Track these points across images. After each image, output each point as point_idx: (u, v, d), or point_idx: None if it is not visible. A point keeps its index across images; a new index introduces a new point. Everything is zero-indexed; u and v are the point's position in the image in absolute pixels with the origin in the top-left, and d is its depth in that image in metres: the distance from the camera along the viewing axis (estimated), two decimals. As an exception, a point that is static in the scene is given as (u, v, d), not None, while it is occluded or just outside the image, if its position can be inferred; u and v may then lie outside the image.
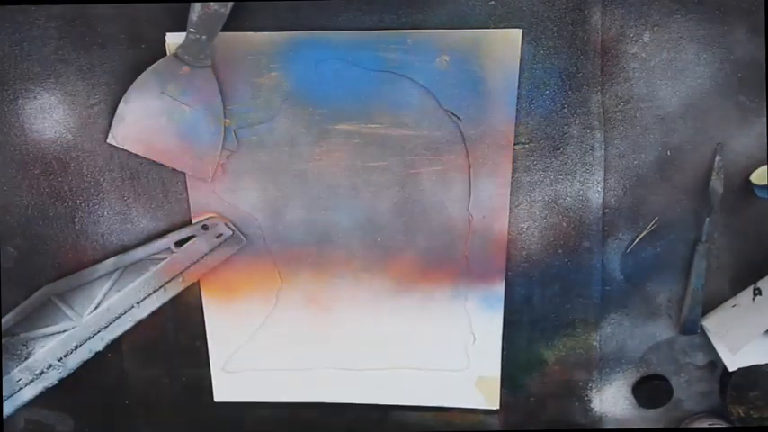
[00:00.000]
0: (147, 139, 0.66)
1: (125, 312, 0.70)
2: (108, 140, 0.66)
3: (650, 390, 0.74)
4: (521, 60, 0.64)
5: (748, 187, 0.68)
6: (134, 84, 0.64)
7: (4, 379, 0.71)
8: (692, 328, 0.72)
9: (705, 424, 0.75)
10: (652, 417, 0.76)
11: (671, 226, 0.69)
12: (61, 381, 0.72)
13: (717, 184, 0.67)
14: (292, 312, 0.73)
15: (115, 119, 0.65)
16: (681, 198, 0.69)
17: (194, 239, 0.69)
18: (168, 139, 0.66)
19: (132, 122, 0.65)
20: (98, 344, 0.71)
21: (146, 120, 0.65)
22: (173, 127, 0.65)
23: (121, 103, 0.65)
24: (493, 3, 0.63)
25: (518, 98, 0.65)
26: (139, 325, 0.71)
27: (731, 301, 0.71)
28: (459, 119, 0.66)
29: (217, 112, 0.65)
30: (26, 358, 0.71)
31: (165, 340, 0.74)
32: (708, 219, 0.69)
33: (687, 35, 0.64)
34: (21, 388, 0.71)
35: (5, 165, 0.68)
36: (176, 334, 0.74)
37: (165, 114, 0.65)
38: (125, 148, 0.66)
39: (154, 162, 0.67)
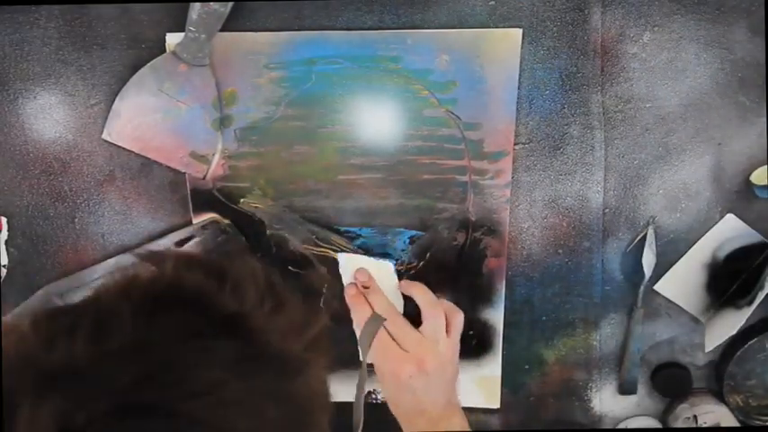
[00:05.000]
0: (142, 136, 0.66)
1: (125, 312, 0.70)
2: (103, 136, 0.66)
3: (669, 378, 0.74)
4: (521, 60, 0.64)
5: (748, 187, 0.68)
6: (131, 80, 0.64)
7: (4, 379, 0.71)
8: (630, 388, 0.74)
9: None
10: (652, 416, 0.76)
11: (670, 226, 0.69)
12: (61, 381, 0.72)
13: (649, 257, 0.69)
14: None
15: (111, 115, 0.65)
16: (680, 198, 0.69)
17: (194, 239, 0.69)
18: (163, 136, 0.66)
19: (128, 119, 0.65)
20: (98, 344, 0.71)
21: (141, 117, 0.65)
22: (168, 125, 0.65)
23: (117, 100, 0.65)
24: (493, 3, 0.63)
25: (518, 98, 0.65)
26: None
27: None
28: (459, 119, 0.66)
29: (213, 111, 0.65)
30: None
31: (166, 340, 0.74)
32: (642, 287, 0.70)
33: (687, 35, 0.64)
34: (21, 388, 0.71)
35: (6, 165, 0.68)
36: (176, 334, 0.74)
37: (162, 112, 0.65)
38: (120, 144, 0.66)
39: (154, 162, 0.67)
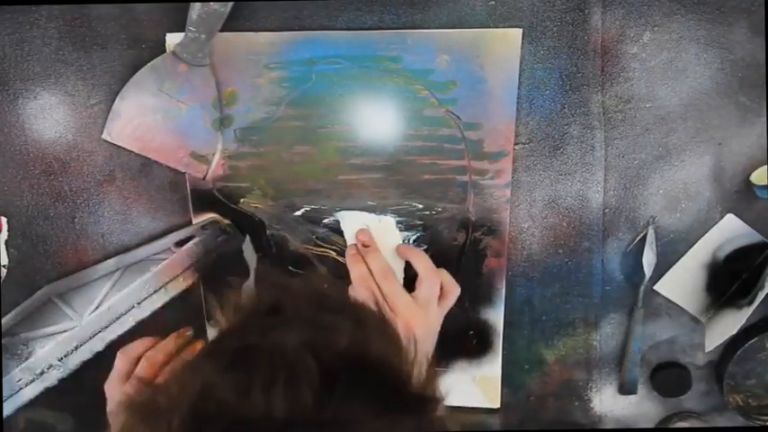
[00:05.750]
0: (142, 136, 0.66)
1: (126, 313, 0.70)
2: (103, 136, 0.66)
3: (669, 378, 0.74)
4: (521, 60, 0.64)
5: (748, 187, 0.68)
6: (131, 80, 0.64)
7: (4, 379, 0.71)
8: (630, 388, 0.74)
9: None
10: (652, 416, 0.76)
11: (670, 226, 0.69)
12: (61, 381, 0.72)
13: (650, 257, 0.69)
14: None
15: (111, 115, 0.65)
16: (680, 198, 0.69)
17: (194, 239, 0.69)
18: (163, 136, 0.66)
19: (128, 119, 0.65)
20: (99, 344, 0.71)
21: (142, 117, 0.65)
22: (168, 125, 0.65)
23: (118, 100, 0.65)
24: (493, 3, 0.63)
25: (518, 98, 0.65)
26: (140, 325, 0.71)
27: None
28: (459, 119, 0.66)
29: (213, 111, 0.65)
30: (26, 358, 0.71)
31: (166, 340, 0.74)
32: (642, 287, 0.70)
33: (687, 35, 0.64)
34: (21, 388, 0.71)
35: (6, 165, 0.68)
36: (176, 334, 0.74)
37: (162, 112, 0.65)
38: (120, 144, 0.66)
39: (154, 162, 0.67)
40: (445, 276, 0.65)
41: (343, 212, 0.69)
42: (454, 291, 0.65)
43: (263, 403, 0.32)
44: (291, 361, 0.35)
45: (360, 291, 0.64)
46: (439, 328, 0.64)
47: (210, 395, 0.33)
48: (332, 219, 0.69)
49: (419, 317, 0.62)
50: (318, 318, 0.39)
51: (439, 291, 0.64)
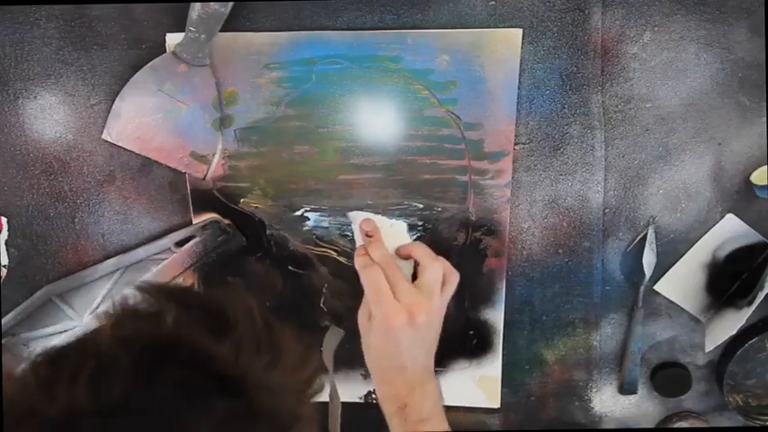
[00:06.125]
0: (142, 137, 0.66)
1: (125, 312, 0.70)
2: (103, 136, 0.66)
3: (669, 378, 0.74)
4: (521, 60, 0.64)
5: (748, 187, 0.68)
6: (131, 80, 0.64)
7: (4, 379, 0.71)
8: (630, 388, 0.74)
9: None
10: (652, 416, 0.76)
11: (670, 226, 0.69)
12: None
13: (650, 257, 0.69)
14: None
15: (111, 115, 0.65)
16: (680, 198, 0.69)
17: (194, 239, 0.69)
18: (163, 136, 0.66)
19: (128, 119, 0.65)
20: (98, 344, 0.71)
21: (142, 117, 0.65)
22: (168, 125, 0.65)
23: (118, 100, 0.65)
24: (493, 3, 0.63)
25: (518, 98, 0.65)
26: (140, 325, 0.71)
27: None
28: (459, 119, 0.66)
29: (213, 111, 0.65)
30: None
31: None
32: (642, 287, 0.70)
33: (687, 35, 0.64)
34: (21, 388, 0.71)
35: (6, 165, 0.68)
36: (176, 334, 0.74)
37: (162, 112, 0.65)
38: (120, 144, 0.66)
39: (154, 162, 0.67)
40: (445, 263, 0.65)
41: (354, 212, 0.69)
42: (454, 278, 0.65)
43: (66, 396, 0.32)
44: (98, 351, 0.34)
45: (364, 280, 0.63)
46: (443, 316, 0.64)
47: (19, 397, 0.33)
48: (330, 217, 0.69)
49: (422, 304, 0.61)
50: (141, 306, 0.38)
51: (441, 277, 0.64)
